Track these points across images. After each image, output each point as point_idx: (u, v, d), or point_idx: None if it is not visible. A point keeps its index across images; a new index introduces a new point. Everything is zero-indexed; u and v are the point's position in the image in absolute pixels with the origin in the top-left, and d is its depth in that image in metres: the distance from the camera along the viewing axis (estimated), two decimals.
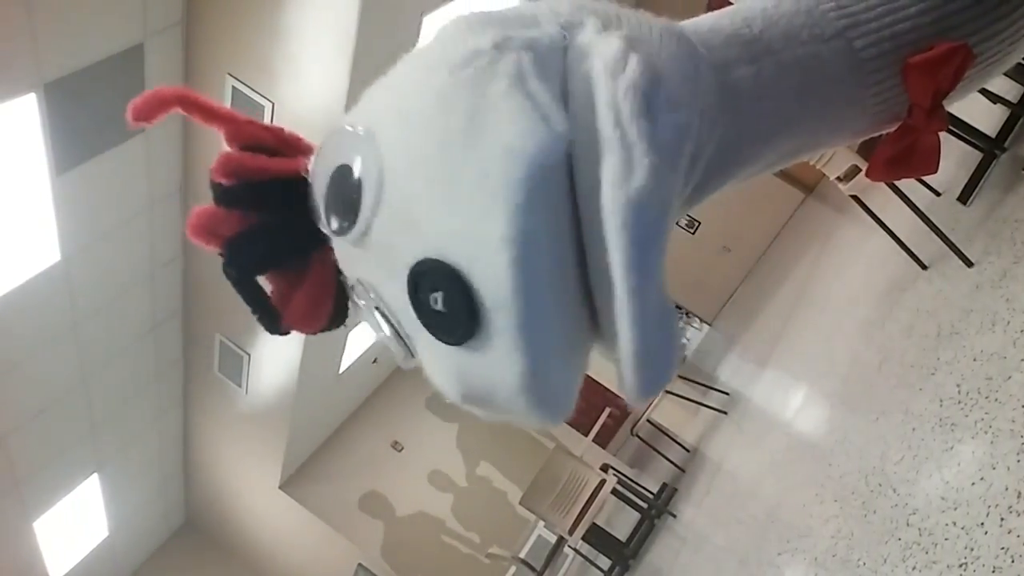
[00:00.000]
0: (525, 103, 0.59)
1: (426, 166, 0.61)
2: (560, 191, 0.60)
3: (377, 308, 0.68)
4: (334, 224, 0.68)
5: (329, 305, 0.75)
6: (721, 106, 0.67)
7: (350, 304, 0.76)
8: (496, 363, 0.62)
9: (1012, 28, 0.73)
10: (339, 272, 0.74)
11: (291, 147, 0.77)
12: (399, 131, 0.64)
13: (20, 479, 5.65)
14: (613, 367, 0.65)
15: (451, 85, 0.62)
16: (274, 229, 0.73)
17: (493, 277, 0.59)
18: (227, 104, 4.04)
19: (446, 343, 0.63)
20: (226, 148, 0.76)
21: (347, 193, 0.65)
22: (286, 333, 0.77)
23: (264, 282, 0.76)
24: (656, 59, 0.63)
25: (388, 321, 0.68)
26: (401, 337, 0.68)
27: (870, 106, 0.74)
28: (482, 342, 0.61)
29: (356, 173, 0.65)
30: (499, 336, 0.60)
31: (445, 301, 0.61)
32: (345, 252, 0.70)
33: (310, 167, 0.71)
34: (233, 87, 4.75)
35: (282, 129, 0.78)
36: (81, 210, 4.65)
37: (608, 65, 0.61)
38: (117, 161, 4.68)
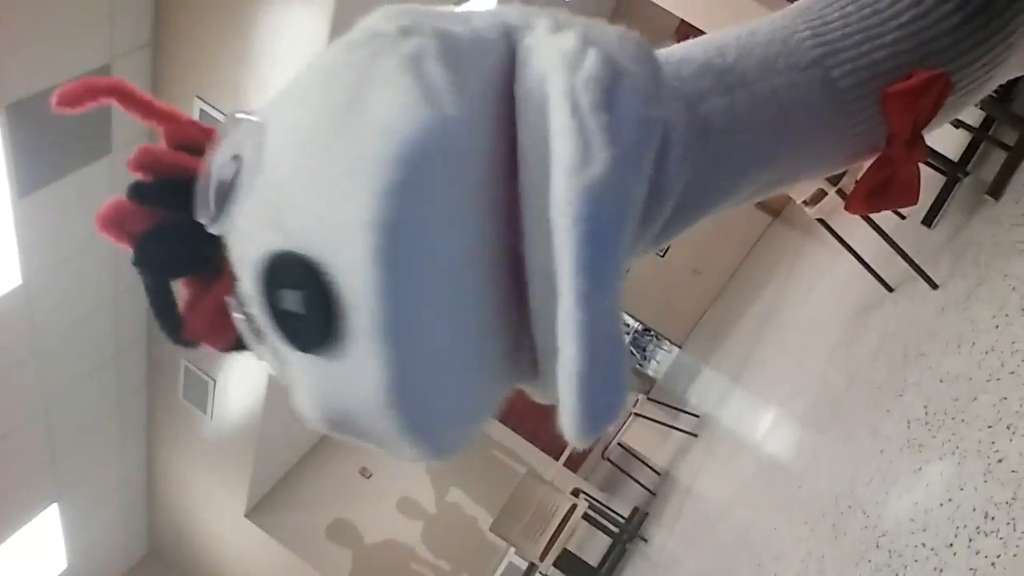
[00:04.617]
0: (414, 83, 0.53)
1: (301, 146, 0.56)
2: (454, 182, 0.54)
3: (249, 321, 0.61)
4: (207, 215, 0.61)
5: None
6: (692, 139, 0.64)
7: None
8: (355, 373, 0.55)
9: (990, 54, 0.72)
10: None
11: None
12: (284, 110, 0.59)
13: None
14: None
15: (342, 63, 0.57)
16: (183, 230, 0.68)
17: (353, 269, 0.52)
18: None
19: (298, 348, 0.56)
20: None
21: (226, 182, 0.60)
22: (189, 344, 0.71)
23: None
24: (617, 56, 0.59)
25: (256, 335, 0.61)
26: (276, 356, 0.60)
27: (848, 136, 0.72)
28: (342, 350, 0.54)
29: (239, 161, 0.60)
30: (359, 341, 0.53)
31: (302, 300, 0.54)
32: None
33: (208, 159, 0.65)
34: (201, 110, 4.71)
35: None
36: (43, 233, 4.57)
37: (566, 58, 0.57)
38: (80, 184, 4.61)
